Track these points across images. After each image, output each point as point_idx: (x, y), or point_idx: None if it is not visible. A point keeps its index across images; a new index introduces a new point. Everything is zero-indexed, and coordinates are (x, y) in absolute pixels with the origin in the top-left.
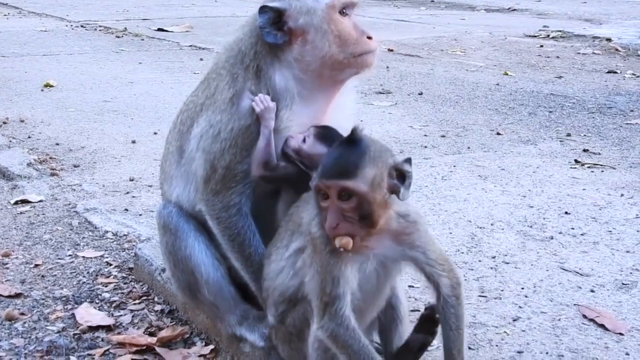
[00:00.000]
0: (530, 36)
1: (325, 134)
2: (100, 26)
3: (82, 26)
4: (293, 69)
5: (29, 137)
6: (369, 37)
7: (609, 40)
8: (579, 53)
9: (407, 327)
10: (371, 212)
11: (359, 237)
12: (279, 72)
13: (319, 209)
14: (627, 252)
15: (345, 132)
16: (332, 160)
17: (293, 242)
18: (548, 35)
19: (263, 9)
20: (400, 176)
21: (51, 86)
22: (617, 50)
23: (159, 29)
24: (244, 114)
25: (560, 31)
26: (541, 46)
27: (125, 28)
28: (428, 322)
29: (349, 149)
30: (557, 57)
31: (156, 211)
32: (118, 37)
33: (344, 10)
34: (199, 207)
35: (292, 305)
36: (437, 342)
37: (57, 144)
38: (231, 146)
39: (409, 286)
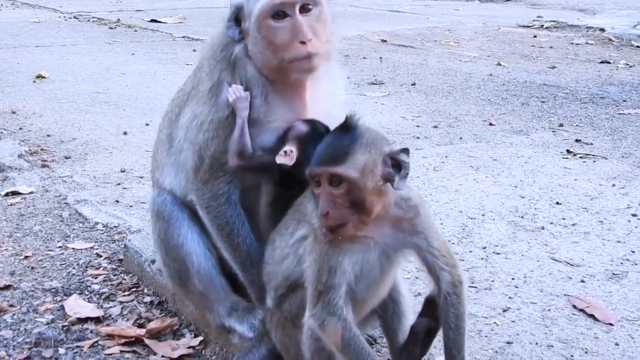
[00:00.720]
0: (523, 26)
1: (307, 136)
2: (93, 17)
3: (75, 17)
4: (254, 62)
5: (20, 129)
6: (303, 42)
7: (602, 30)
8: (572, 43)
9: (411, 322)
10: (363, 199)
11: (353, 225)
12: (250, 63)
13: (314, 196)
14: (618, 242)
15: (334, 121)
16: (324, 147)
17: (298, 229)
18: (542, 26)
19: (231, 3)
20: (396, 165)
21: (43, 77)
22: (610, 40)
23: (152, 20)
24: (221, 106)
25: (554, 21)
26: (535, 36)
27: (119, 19)
28: (431, 306)
29: (341, 135)
30: (551, 47)
31: (150, 198)
32: (111, 28)
33: (281, 12)
34: (190, 197)
35: (291, 289)
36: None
37: (49, 136)
38: (214, 137)
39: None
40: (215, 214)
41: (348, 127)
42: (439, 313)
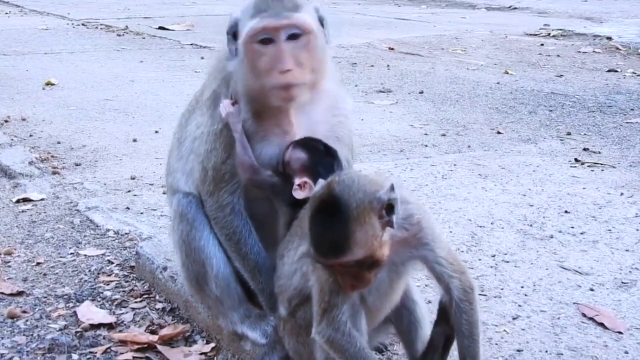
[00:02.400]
0: (530, 35)
1: (304, 143)
2: (101, 24)
3: (83, 24)
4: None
5: (31, 136)
6: (284, 71)
7: (609, 38)
8: (579, 52)
9: (427, 329)
10: (376, 259)
11: (375, 276)
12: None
13: (328, 272)
14: (627, 250)
15: (335, 140)
16: (321, 238)
17: (301, 245)
18: (549, 34)
19: (230, 16)
20: (389, 207)
21: (52, 84)
22: (617, 48)
23: (160, 28)
24: (217, 118)
25: (561, 29)
26: (542, 45)
27: (127, 26)
28: (445, 314)
29: (331, 217)
30: (558, 55)
31: (175, 199)
32: (119, 35)
33: (268, 38)
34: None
35: (305, 299)
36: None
37: (59, 143)
38: (213, 148)
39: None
40: (222, 225)
41: (332, 205)
42: (453, 321)
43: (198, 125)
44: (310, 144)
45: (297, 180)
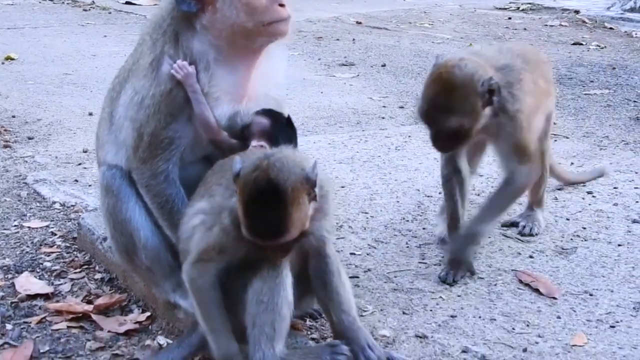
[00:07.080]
0: (499, 9)
1: (272, 129)
2: None
3: None
4: (208, 35)
5: None
6: (281, 5)
7: (577, 12)
8: (546, 25)
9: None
10: (304, 232)
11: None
12: (197, 37)
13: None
14: (569, 219)
15: (271, 102)
16: (260, 222)
17: (200, 202)
18: (518, 8)
19: None
20: (314, 183)
21: (12, 59)
22: (584, 22)
23: (127, 2)
24: (164, 79)
25: (530, 3)
26: (509, 18)
27: (93, 1)
28: None
29: (269, 203)
30: (525, 29)
31: (100, 172)
32: (85, 10)
33: None
34: (132, 175)
35: None
36: (371, 307)
37: (14, 117)
38: (155, 112)
39: (351, 254)
40: (155, 193)
41: (270, 192)
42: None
43: (136, 91)
44: (274, 113)
45: (254, 143)
